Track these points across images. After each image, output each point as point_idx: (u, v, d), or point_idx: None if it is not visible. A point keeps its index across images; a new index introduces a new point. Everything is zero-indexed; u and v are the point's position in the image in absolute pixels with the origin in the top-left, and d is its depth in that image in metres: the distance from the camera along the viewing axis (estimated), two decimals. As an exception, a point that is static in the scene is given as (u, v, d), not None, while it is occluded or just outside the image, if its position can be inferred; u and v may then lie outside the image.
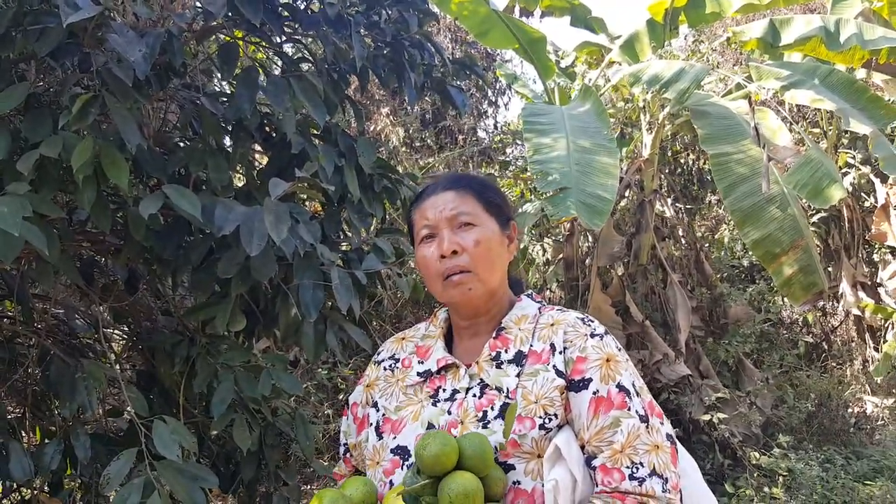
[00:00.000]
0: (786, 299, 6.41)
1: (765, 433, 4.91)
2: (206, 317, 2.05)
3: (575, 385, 1.11)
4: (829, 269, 6.51)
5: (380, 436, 1.21)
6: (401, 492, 1.02)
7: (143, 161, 1.81)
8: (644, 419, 1.09)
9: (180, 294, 2.83)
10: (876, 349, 6.49)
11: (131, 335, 2.68)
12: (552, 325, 1.19)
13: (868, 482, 4.44)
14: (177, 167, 1.95)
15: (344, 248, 2.38)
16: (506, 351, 1.18)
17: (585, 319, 1.19)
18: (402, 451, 1.15)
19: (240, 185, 2.40)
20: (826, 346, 6.77)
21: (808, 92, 4.18)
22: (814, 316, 6.78)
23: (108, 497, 2.22)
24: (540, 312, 1.23)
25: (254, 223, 1.71)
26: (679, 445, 1.18)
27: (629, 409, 1.09)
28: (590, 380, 1.11)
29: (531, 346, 1.17)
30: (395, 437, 1.18)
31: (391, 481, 1.13)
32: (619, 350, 1.16)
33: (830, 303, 6.88)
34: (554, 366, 1.13)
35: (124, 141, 1.64)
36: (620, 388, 1.10)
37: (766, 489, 4.23)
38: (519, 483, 1.07)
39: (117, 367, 2.22)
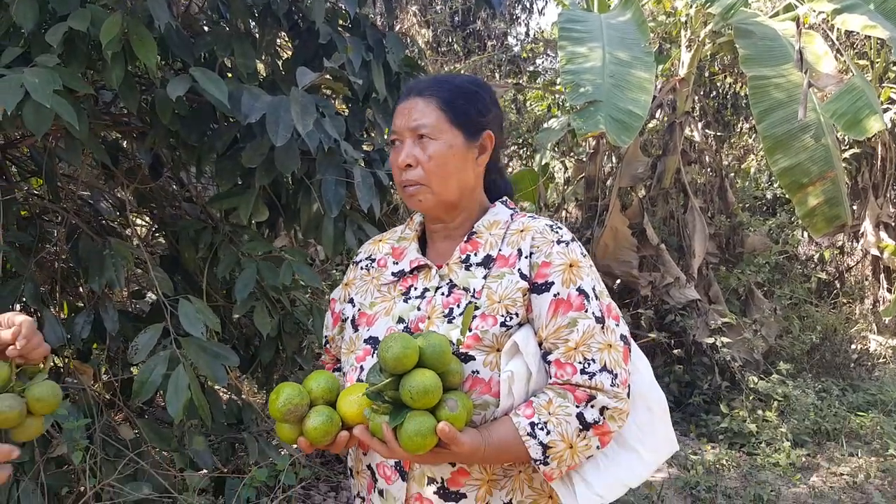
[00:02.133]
0: (805, 234, 6.36)
1: (766, 360, 5.00)
2: (229, 206, 2.08)
3: (538, 288, 1.16)
4: (854, 207, 6.40)
5: (356, 328, 1.28)
6: (365, 390, 1.08)
7: (170, 42, 1.79)
8: (600, 320, 1.15)
9: (202, 184, 2.86)
10: (889, 290, 6.49)
11: (155, 220, 2.74)
12: (522, 231, 1.22)
13: (860, 413, 4.57)
14: (203, 51, 1.92)
15: (366, 147, 2.37)
16: (475, 254, 1.23)
17: (554, 227, 1.23)
18: (373, 342, 1.23)
19: (263, 74, 2.37)
20: (839, 285, 6.76)
21: (861, 17, 3.96)
22: (830, 253, 6.73)
23: (132, 368, 2.35)
24: (512, 219, 1.26)
25: (279, 113, 1.71)
26: (634, 345, 1.24)
27: (586, 311, 1.14)
28: (552, 283, 1.16)
29: (500, 250, 1.22)
30: (368, 329, 1.25)
31: (361, 366, 1.22)
32: (584, 256, 1.21)
33: (850, 242, 6.82)
34: (519, 269, 1.18)
35: (153, 18, 1.61)
36: (580, 291, 1.15)
37: (759, 412, 4.37)
38: (478, 372, 1.13)
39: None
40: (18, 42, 1.62)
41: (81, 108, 1.69)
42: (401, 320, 1.22)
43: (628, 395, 1.15)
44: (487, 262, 1.21)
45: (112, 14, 1.56)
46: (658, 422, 1.24)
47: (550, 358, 1.15)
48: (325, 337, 1.41)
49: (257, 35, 2.06)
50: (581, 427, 1.10)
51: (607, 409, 1.12)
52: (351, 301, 1.33)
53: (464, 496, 1.16)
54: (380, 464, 1.21)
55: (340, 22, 2.24)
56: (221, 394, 2.62)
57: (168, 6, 1.66)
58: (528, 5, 7.12)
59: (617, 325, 1.17)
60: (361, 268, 1.36)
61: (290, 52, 2.36)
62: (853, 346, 5.69)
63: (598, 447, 1.14)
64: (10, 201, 2.13)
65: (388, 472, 1.20)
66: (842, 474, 3.92)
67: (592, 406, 1.11)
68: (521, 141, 5.97)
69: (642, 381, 1.24)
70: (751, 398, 4.51)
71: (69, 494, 2.11)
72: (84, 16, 1.55)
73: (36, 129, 1.51)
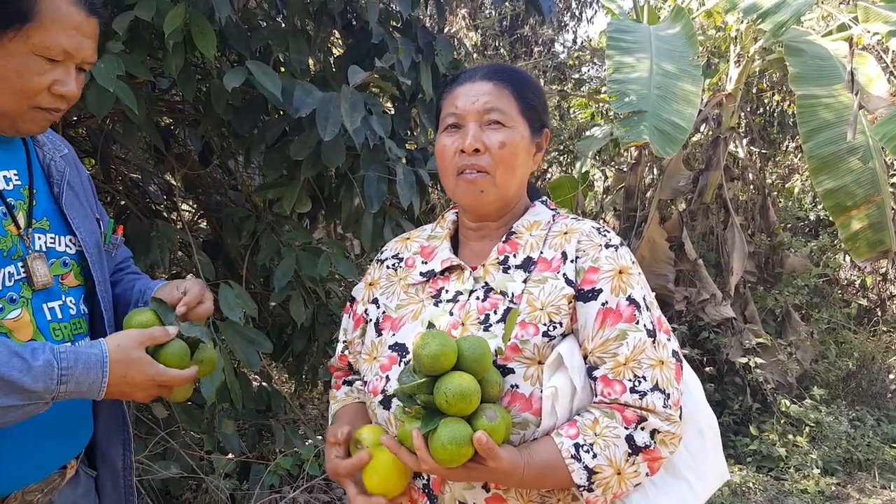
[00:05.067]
0: (847, 258, 6.20)
1: (799, 384, 4.90)
2: (274, 196, 2.13)
3: (584, 295, 1.07)
4: (901, 232, 6.22)
5: (379, 332, 1.18)
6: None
7: (228, 34, 1.84)
8: (651, 334, 1.06)
9: (248, 173, 2.93)
10: (933, 321, 6.29)
11: (201, 206, 2.82)
12: (565, 233, 1.14)
13: (895, 445, 4.44)
14: (259, 45, 1.98)
15: (409, 146, 2.41)
16: (514, 256, 1.13)
17: (601, 229, 1.14)
18: (400, 349, 1.13)
19: (313, 70, 2.42)
20: (880, 312, 6.57)
21: (919, 39, 3.87)
22: (873, 280, 6.55)
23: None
24: (553, 220, 1.17)
25: (329, 108, 1.75)
26: (685, 363, 1.14)
27: (637, 323, 1.05)
28: (600, 290, 1.06)
29: (541, 252, 1.12)
30: (393, 335, 1.15)
31: (387, 376, 1.11)
32: (633, 263, 1.11)
33: (894, 269, 6.62)
34: (564, 274, 1.09)
35: (214, 12, 1.67)
36: (631, 300, 1.06)
37: (790, 437, 4.28)
38: (517, 387, 1.04)
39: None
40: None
41: (140, 94, 1.76)
42: (431, 326, 1.12)
43: (680, 416, 1.06)
44: (528, 264, 1.12)
45: (176, 6, 1.63)
46: (710, 447, 1.14)
47: (597, 373, 1.05)
48: (343, 342, 1.30)
49: (311, 32, 2.11)
50: (630, 451, 1.01)
51: (659, 432, 1.02)
52: (375, 302, 1.23)
53: None
54: None
55: (392, 23, 2.29)
56: (251, 380, 2.68)
57: (229, 0, 1.72)
58: (577, 14, 7.09)
59: (668, 339, 1.09)
60: (387, 267, 1.26)
61: (341, 50, 2.41)
62: (891, 376, 5.53)
63: (646, 474, 1.04)
64: (67, 180, 2.21)
65: (415, 495, 1.11)
66: (872, 506, 3.82)
67: (643, 428, 1.02)
68: (562, 147, 5.95)
69: (693, 401, 1.14)
70: (782, 422, 4.42)
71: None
72: (150, 6, 1.62)
73: (97, 112, 1.58)
